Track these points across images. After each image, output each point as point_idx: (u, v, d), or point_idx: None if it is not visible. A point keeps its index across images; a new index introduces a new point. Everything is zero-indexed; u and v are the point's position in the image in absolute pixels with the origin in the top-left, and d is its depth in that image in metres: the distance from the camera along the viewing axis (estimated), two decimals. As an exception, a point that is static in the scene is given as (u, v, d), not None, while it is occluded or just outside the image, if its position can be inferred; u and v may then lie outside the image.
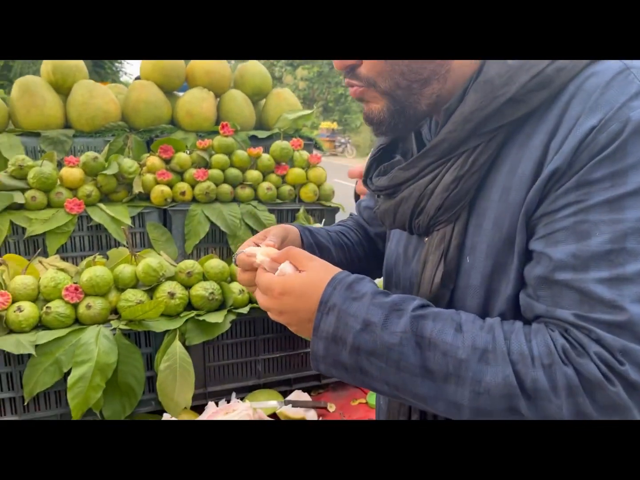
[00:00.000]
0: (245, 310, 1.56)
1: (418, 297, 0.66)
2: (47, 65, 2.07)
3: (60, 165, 1.88)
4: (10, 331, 1.40)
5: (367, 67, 0.69)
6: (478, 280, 0.67)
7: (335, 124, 24.16)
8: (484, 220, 0.66)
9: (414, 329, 0.61)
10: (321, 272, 0.69)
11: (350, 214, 1.13)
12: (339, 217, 2.18)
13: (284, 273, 0.70)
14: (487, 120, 0.64)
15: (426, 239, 0.74)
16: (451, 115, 0.67)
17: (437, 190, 0.68)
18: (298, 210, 2.04)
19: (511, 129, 0.65)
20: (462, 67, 0.68)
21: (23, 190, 1.71)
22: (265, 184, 2.00)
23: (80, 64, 2.13)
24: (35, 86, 1.99)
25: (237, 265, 0.83)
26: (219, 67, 2.22)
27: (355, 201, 1.25)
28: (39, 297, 1.48)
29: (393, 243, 0.87)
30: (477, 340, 0.59)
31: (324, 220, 2.01)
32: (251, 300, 1.61)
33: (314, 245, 0.92)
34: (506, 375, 0.56)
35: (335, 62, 0.71)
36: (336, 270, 0.69)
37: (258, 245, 0.85)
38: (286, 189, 2.05)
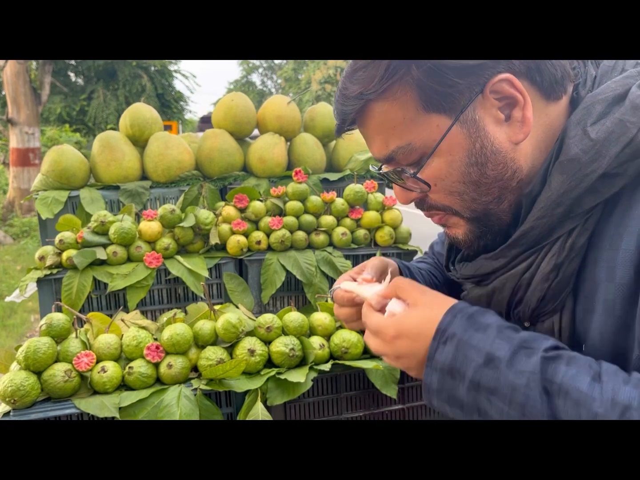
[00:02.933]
0: (327, 367, 1.48)
1: (552, 338, 0.58)
2: (125, 119, 2.13)
3: (138, 217, 1.90)
4: (95, 392, 1.39)
5: (435, 196, 0.68)
6: None
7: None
8: (592, 305, 0.60)
9: (544, 372, 0.53)
10: (436, 305, 0.63)
11: (425, 252, 1.11)
12: (417, 259, 2.10)
13: (394, 313, 0.64)
14: (580, 201, 0.58)
15: (527, 324, 0.69)
16: (535, 201, 0.62)
17: (536, 280, 0.63)
18: (374, 254, 1.97)
19: (606, 203, 0.59)
20: (533, 155, 0.63)
21: (104, 246, 1.73)
22: (340, 229, 1.95)
23: (155, 116, 2.18)
24: (115, 141, 2.04)
25: (333, 301, 0.81)
26: (289, 112, 2.21)
27: None
28: (121, 356, 1.47)
29: None
30: (619, 394, 0.49)
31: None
32: (332, 356, 1.54)
33: None
34: None
35: (399, 197, 0.71)
36: (454, 300, 0.63)
37: (354, 280, 0.80)
38: (361, 233, 1.98)
